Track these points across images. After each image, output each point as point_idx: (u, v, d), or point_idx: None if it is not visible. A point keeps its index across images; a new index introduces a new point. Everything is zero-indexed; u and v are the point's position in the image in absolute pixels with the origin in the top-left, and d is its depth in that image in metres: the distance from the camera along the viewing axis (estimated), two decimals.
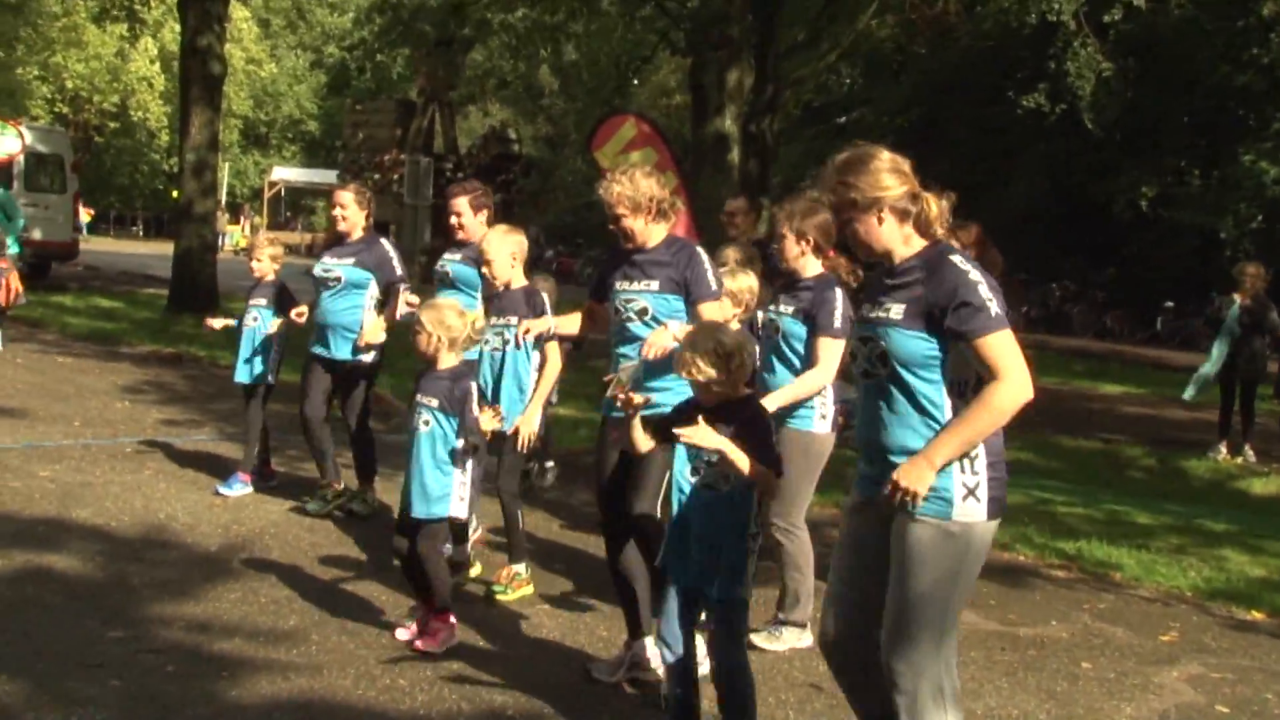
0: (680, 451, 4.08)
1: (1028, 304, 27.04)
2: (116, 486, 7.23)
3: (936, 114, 28.43)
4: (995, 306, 3.35)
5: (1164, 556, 7.33)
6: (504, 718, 4.39)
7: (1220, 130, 24.98)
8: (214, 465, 8.02)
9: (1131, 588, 6.78)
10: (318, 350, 7.04)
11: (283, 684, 4.51)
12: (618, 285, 4.84)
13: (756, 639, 5.22)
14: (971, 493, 3.38)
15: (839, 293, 5.23)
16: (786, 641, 5.30)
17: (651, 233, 4.82)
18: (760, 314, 5.58)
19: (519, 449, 5.67)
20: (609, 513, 4.82)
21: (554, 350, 5.69)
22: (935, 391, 3.42)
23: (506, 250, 5.71)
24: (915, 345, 3.40)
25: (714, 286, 4.81)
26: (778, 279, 5.56)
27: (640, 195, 4.72)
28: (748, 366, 3.95)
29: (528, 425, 5.59)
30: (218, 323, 7.74)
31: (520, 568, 5.88)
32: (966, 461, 3.38)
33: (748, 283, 5.55)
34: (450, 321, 5.03)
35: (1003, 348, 3.35)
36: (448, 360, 5.05)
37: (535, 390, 5.72)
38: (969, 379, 3.52)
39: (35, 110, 42.55)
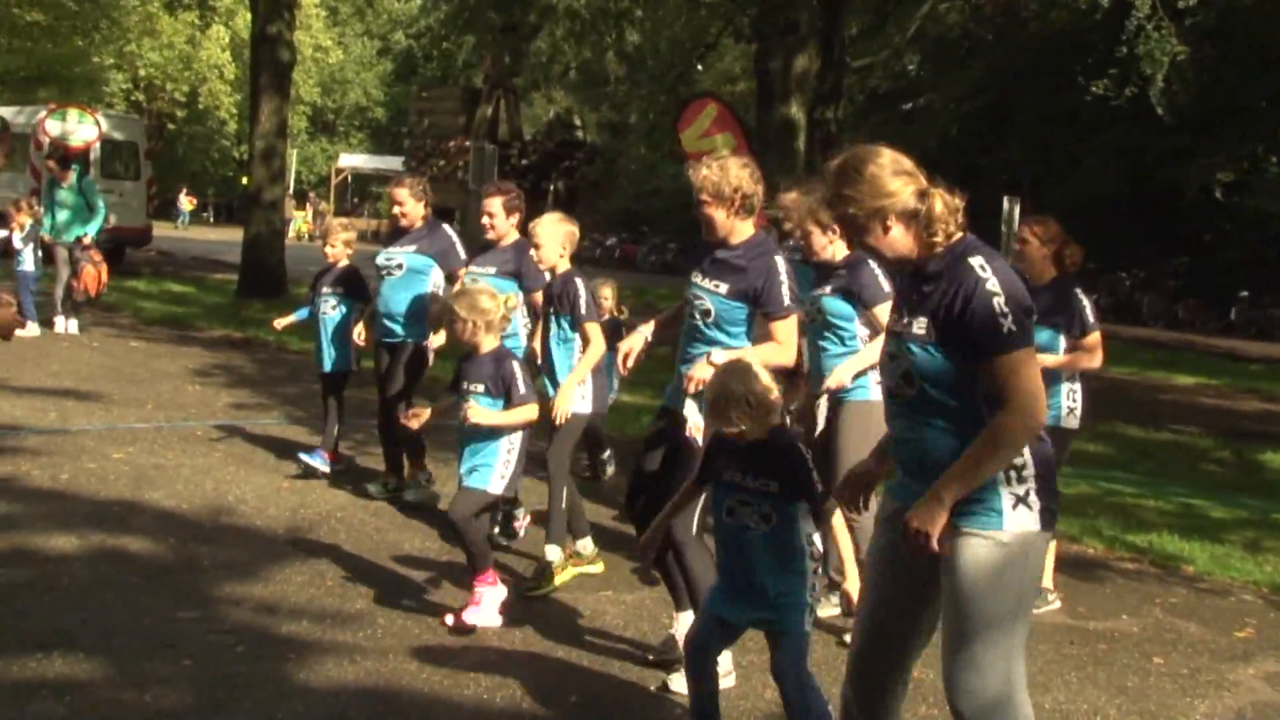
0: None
1: (1096, 293, 26.61)
2: (188, 469, 7.35)
3: (1004, 100, 28.02)
4: (1011, 322, 3.03)
5: (1239, 551, 7.18)
6: (566, 704, 4.40)
7: None
8: (282, 449, 8.13)
9: (1204, 582, 6.66)
10: (379, 337, 7.10)
11: (349, 667, 4.56)
12: (693, 278, 4.74)
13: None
14: (1021, 500, 3.11)
15: (873, 264, 5.22)
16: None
17: (735, 228, 4.64)
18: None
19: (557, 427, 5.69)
20: (633, 500, 4.83)
21: (596, 332, 5.70)
22: (971, 408, 3.12)
23: (557, 239, 5.71)
24: (942, 364, 3.12)
25: (787, 301, 4.62)
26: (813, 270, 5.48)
27: (725, 185, 4.56)
28: (778, 407, 3.85)
29: (563, 402, 5.60)
30: (282, 322, 7.81)
31: (583, 545, 5.95)
32: (1012, 472, 3.11)
33: None
34: (484, 305, 5.08)
35: (1013, 370, 3.03)
36: (489, 344, 5.10)
37: (574, 370, 5.72)
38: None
39: (111, 98, 43.33)
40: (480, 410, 5.00)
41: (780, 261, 4.70)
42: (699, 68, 32.61)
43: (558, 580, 5.75)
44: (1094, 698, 4.83)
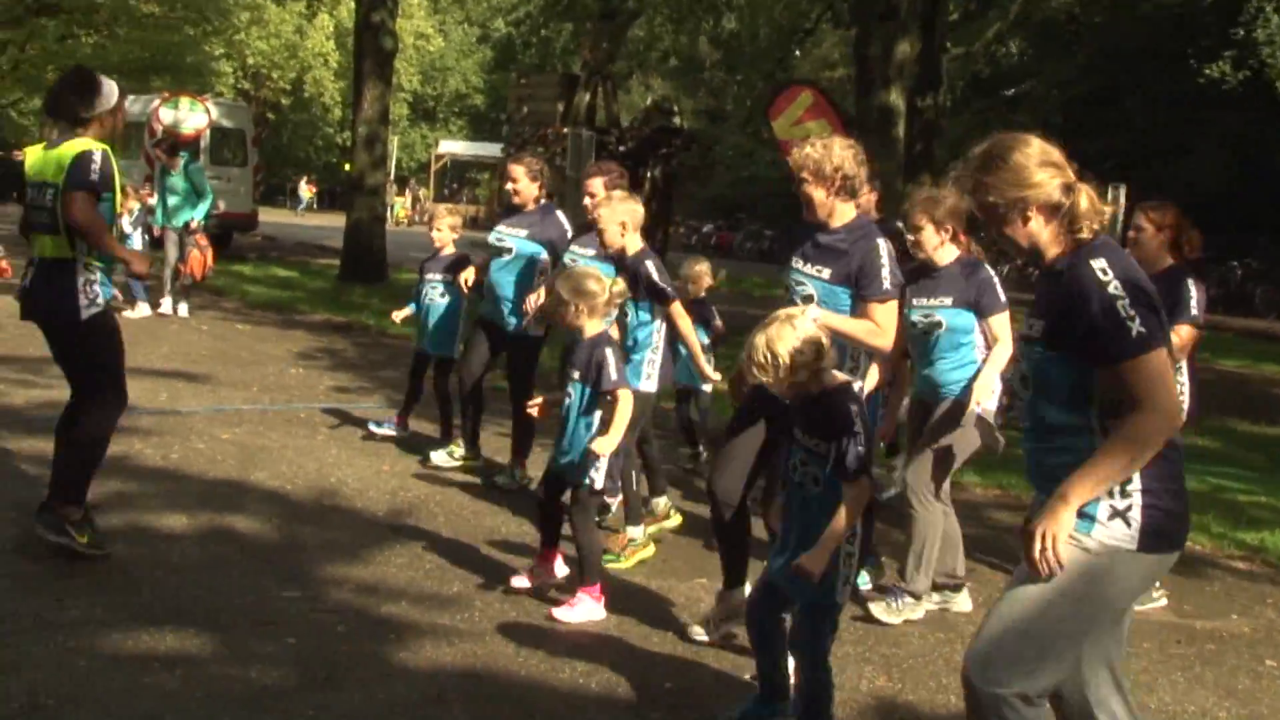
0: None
1: (1206, 283, 25.79)
2: (291, 451, 7.52)
3: (1111, 85, 27.33)
4: (1140, 324, 2.91)
5: None
6: (660, 690, 4.42)
7: None
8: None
9: None
10: (486, 314, 7.15)
11: (447, 649, 4.62)
12: (794, 263, 4.71)
13: (874, 608, 5.23)
14: (1120, 514, 2.97)
15: (990, 271, 5.28)
16: (902, 613, 5.24)
17: (836, 209, 4.62)
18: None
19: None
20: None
21: (678, 309, 5.74)
22: (1079, 420, 3.03)
23: (615, 218, 5.69)
24: (1053, 370, 3.05)
25: (887, 285, 4.56)
26: (907, 264, 5.42)
27: (827, 164, 4.52)
28: (807, 360, 3.74)
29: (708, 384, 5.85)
30: (400, 315, 7.98)
31: (636, 532, 5.94)
32: (1116, 484, 2.98)
33: None
34: (590, 288, 5.04)
35: (1144, 374, 2.91)
36: (592, 328, 5.07)
37: (695, 356, 5.96)
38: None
39: (220, 87, 44.37)
40: (601, 443, 4.93)
41: (883, 244, 4.65)
42: (797, 54, 32.34)
43: (636, 558, 5.80)
44: (1202, 699, 4.71)
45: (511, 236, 7.00)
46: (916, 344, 5.35)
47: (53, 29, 33.34)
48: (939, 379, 5.31)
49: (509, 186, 7.06)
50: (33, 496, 5.88)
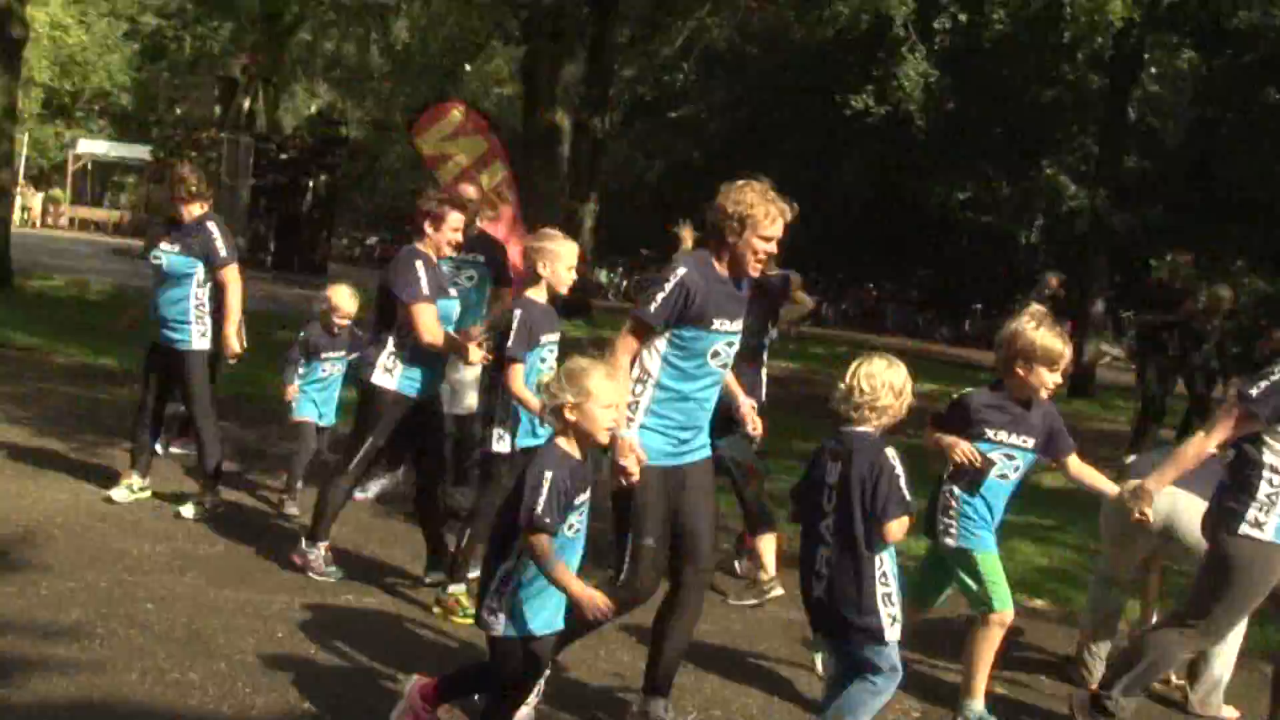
0: None
1: (845, 302, 27.86)
2: None
3: (767, 112, 28.83)
4: None
5: None
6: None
7: (1028, 142, 26.02)
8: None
9: None
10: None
11: (61, 681, 4.19)
12: (720, 325, 4.33)
13: None
14: None
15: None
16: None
17: None
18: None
19: None
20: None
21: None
22: None
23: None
24: None
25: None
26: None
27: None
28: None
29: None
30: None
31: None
32: None
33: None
34: None
35: None
36: None
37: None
38: None
39: None
40: None
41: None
42: (468, 68, 32.27)
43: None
44: None
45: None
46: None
47: None
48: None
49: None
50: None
